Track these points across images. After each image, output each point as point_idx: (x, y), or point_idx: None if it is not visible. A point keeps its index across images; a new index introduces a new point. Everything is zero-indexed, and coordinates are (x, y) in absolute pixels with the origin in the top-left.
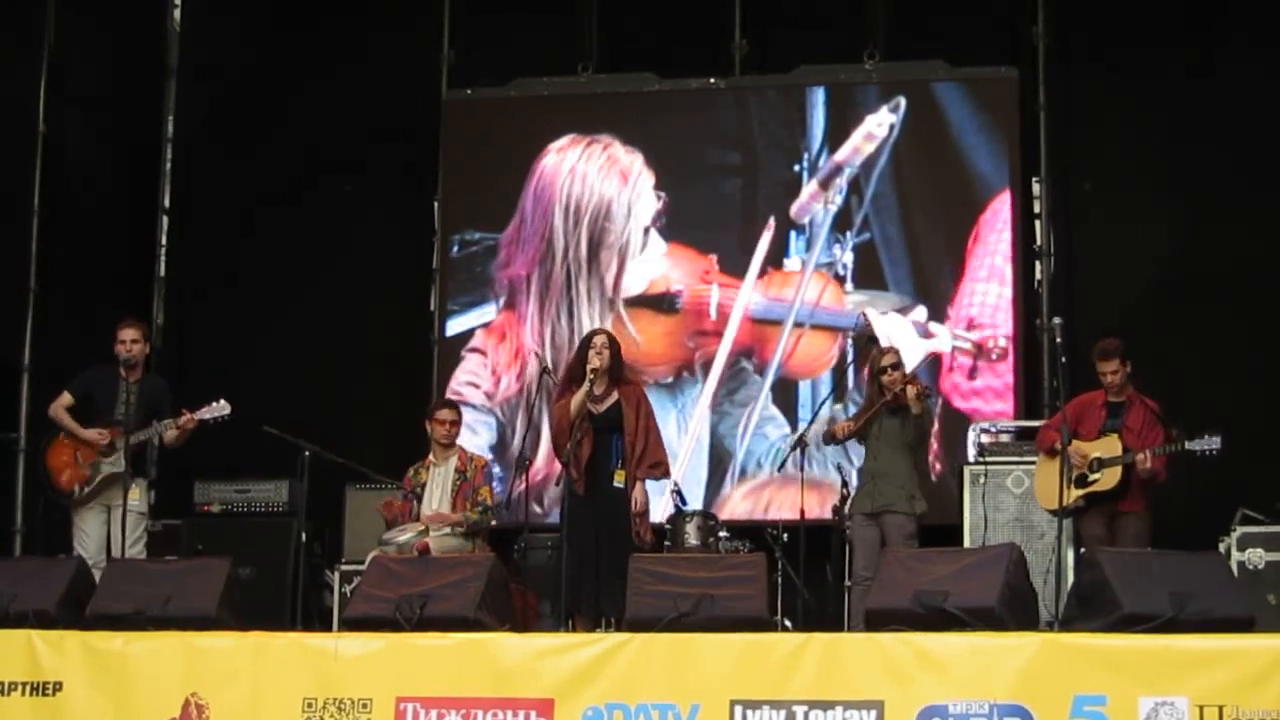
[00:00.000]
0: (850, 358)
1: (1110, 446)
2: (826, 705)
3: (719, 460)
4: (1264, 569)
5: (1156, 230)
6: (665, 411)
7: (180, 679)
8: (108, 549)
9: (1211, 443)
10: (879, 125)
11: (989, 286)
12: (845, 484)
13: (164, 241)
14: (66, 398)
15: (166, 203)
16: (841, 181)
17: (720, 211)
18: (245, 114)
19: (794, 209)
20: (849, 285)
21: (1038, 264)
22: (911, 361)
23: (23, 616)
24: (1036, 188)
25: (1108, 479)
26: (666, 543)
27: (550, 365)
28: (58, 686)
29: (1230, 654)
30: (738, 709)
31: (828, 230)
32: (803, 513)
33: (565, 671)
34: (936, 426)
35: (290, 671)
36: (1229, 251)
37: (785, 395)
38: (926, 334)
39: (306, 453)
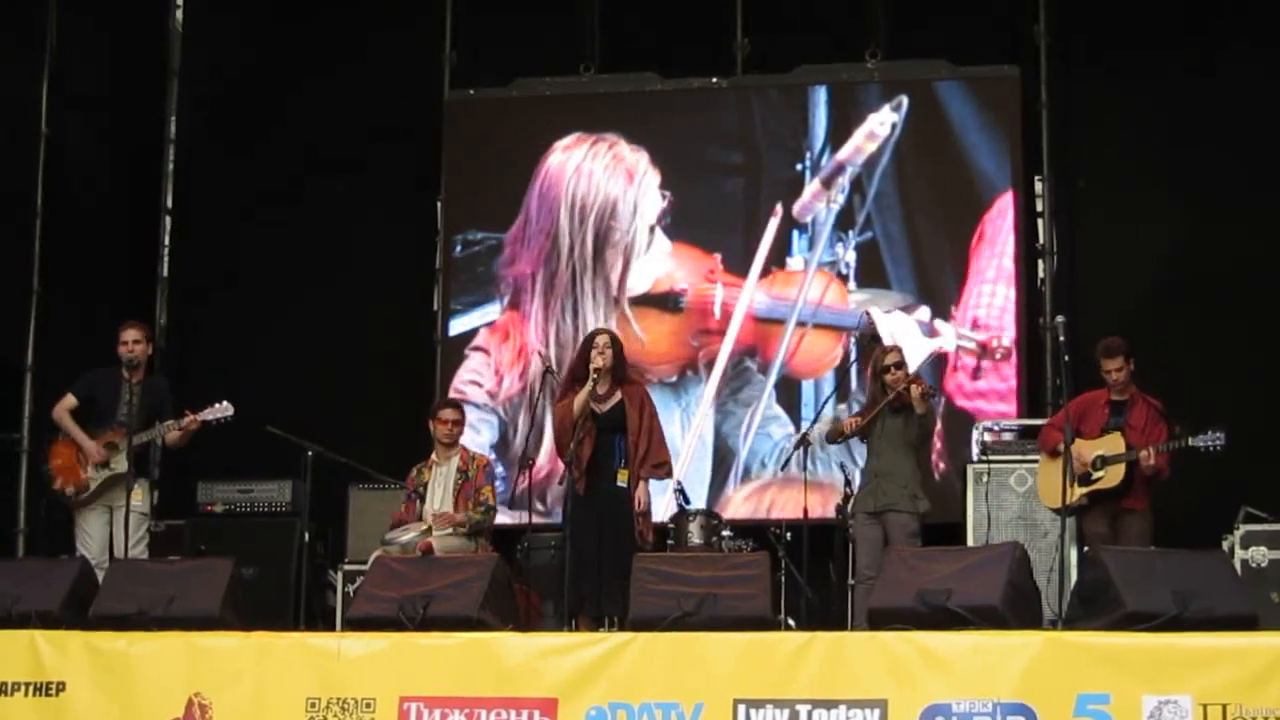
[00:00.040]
0: (853, 356)
1: (1113, 444)
2: (830, 704)
3: (722, 459)
4: (1267, 567)
5: (1158, 230)
6: (669, 410)
7: (183, 679)
8: (110, 549)
9: (1215, 438)
10: (881, 124)
11: (996, 287)
12: (848, 483)
13: (166, 242)
14: (70, 399)
15: (169, 203)
16: (844, 180)
17: (723, 211)
18: (247, 114)
19: (796, 208)
20: (852, 284)
21: (1040, 263)
22: (915, 360)
23: (26, 617)
24: (1039, 186)
25: (1111, 476)
26: (670, 542)
27: (554, 365)
28: (61, 687)
29: (1233, 652)
30: (741, 708)
31: (830, 229)
32: (806, 512)
33: (568, 671)
34: (940, 426)
35: (293, 671)
36: (1230, 251)
37: (788, 394)
38: (931, 332)
39: (309, 453)
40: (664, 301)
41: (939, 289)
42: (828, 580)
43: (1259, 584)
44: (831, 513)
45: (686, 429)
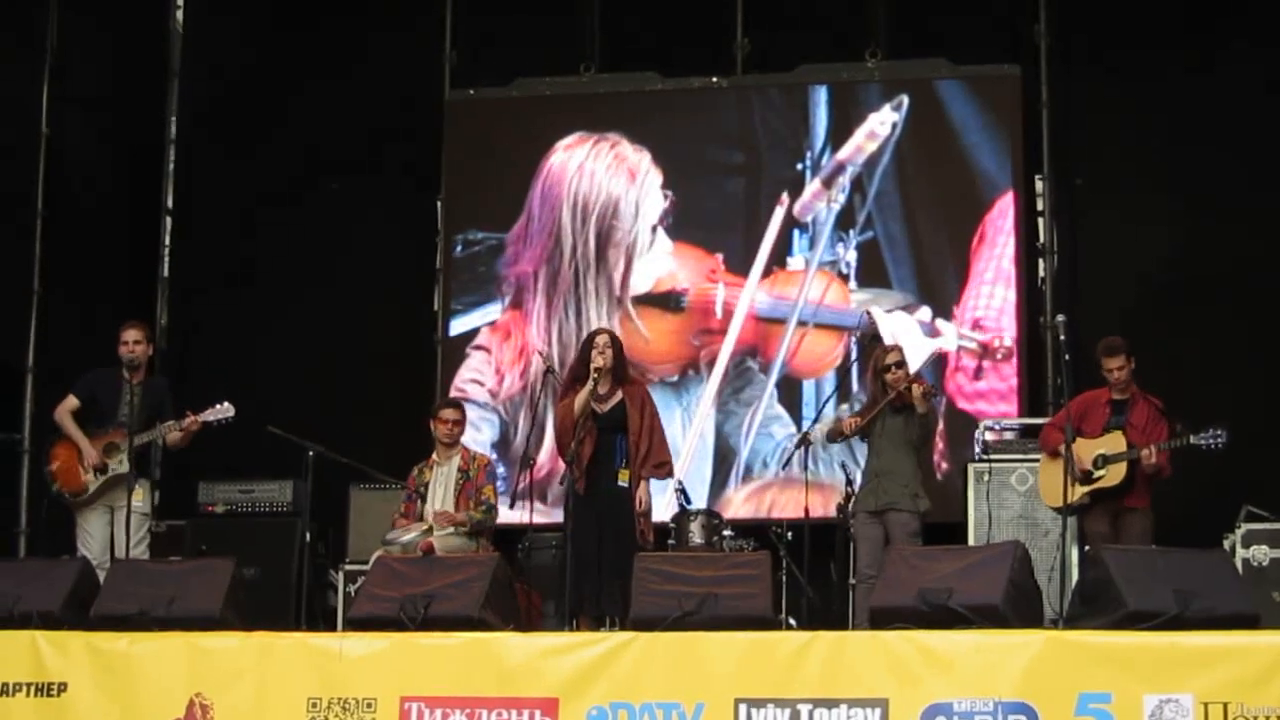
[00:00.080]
0: (854, 356)
1: (1115, 443)
2: (831, 704)
3: (723, 459)
4: (1268, 566)
5: (1159, 229)
6: (670, 410)
7: (185, 679)
8: (112, 550)
9: (1216, 436)
10: (881, 123)
11: (995, 288)
12: (849, 482)
13: (167, 242)
14: (72, 401)
15: (169, 203)
16: (844, 180)
17: (724, 211)
18: (248, 114)
19: (797, 207)
20: (853, 284)
21: (1041, 262)
22: (916, 360)
23: (27, 617)
24: (1039, 186)
25: (1113, 475)
26: (671, 541)
27: (555, 365)
28: (62, 687)
29: (1235, 651)
30: (742, 708)
31: (831, 229)
32: (807, 511)
33: (569, 671)
34: (941, 426)
35: (295, 671)
36: (1230, 250)
37: (789, 394)
38: (933, 332)
39: (310, 453)
40: (665, 301)
41: (940, 289)
42: (829, 580)
43: (1260, 583)
44: (832, 512)
45: (688, 429)
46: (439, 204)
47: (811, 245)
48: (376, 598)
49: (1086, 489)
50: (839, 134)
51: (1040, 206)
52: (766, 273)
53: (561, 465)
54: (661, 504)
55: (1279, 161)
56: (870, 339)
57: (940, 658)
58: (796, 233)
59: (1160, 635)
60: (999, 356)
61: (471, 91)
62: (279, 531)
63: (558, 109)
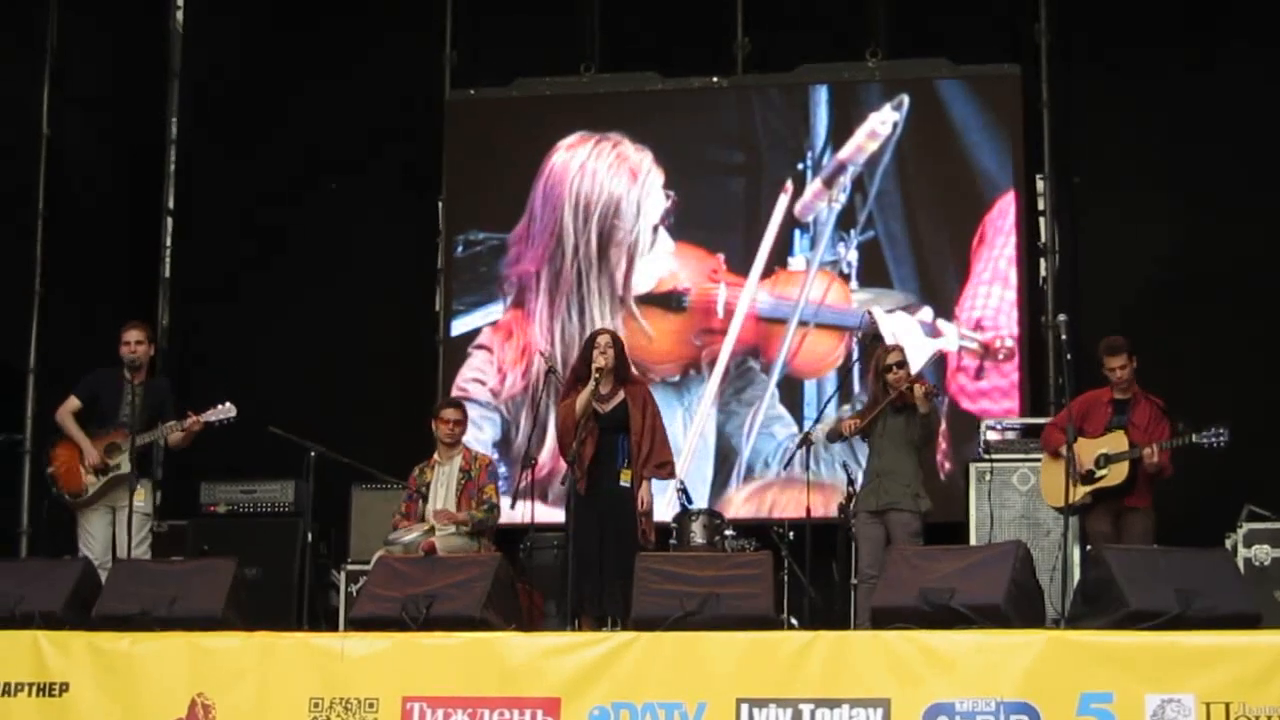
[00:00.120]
0: (855, 356)
1: (1117, 443)
2: (833, 703)
3: (725, 459)
4: (1270, 565)
5: (1160, 228)
6: (672, 410)
7: (186, 679)
8: (113, 550)
9: (1218, 435)
10: (882, 123)
11: (993, 288)
12: (851, 482)
13: (168, 243)
14: (73, 402)
15: (170, 204)
16: (845, 180)
17: (725, 211)
18: (248, 115)
19: (798, 207)
20: (854, 283)
21: (1042, 261)
22: (918, 361)
23: (29, 617)
24: (1040, 185)
25: (1115, 474)
26: (672, 541)
27: (557, 365)
28: (64, 687)
29: (1236, 651)
30: (744, 708)
31: (832, 228)
32: (809, 511)
33: (571, 671)
34: (944, 426)
35: (296, 671)
36: (1231, 249)
37: (791, 394)
38: (934, 332)
39: (312, 453)
40: (667, 301)
41: (941, 288)
42: (830, 579)
43: (1262, 582)
44: (833, 512)
45: (689, 428)
46: (440, 204)
47: (813, 245)
48: (378, 598)
49: (1088, 489)
50: (840, 134)
51: (1041, 206)
52: (768, 269)
53: (563, 465)
54: (663, 504)
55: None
56: (871, 339)
57: (942, 658)
58: (798, 233)
59: (1162, 635)
60: (1000, 357)
61: (472, 92)
62: (281, 532)
63: (558, 109)
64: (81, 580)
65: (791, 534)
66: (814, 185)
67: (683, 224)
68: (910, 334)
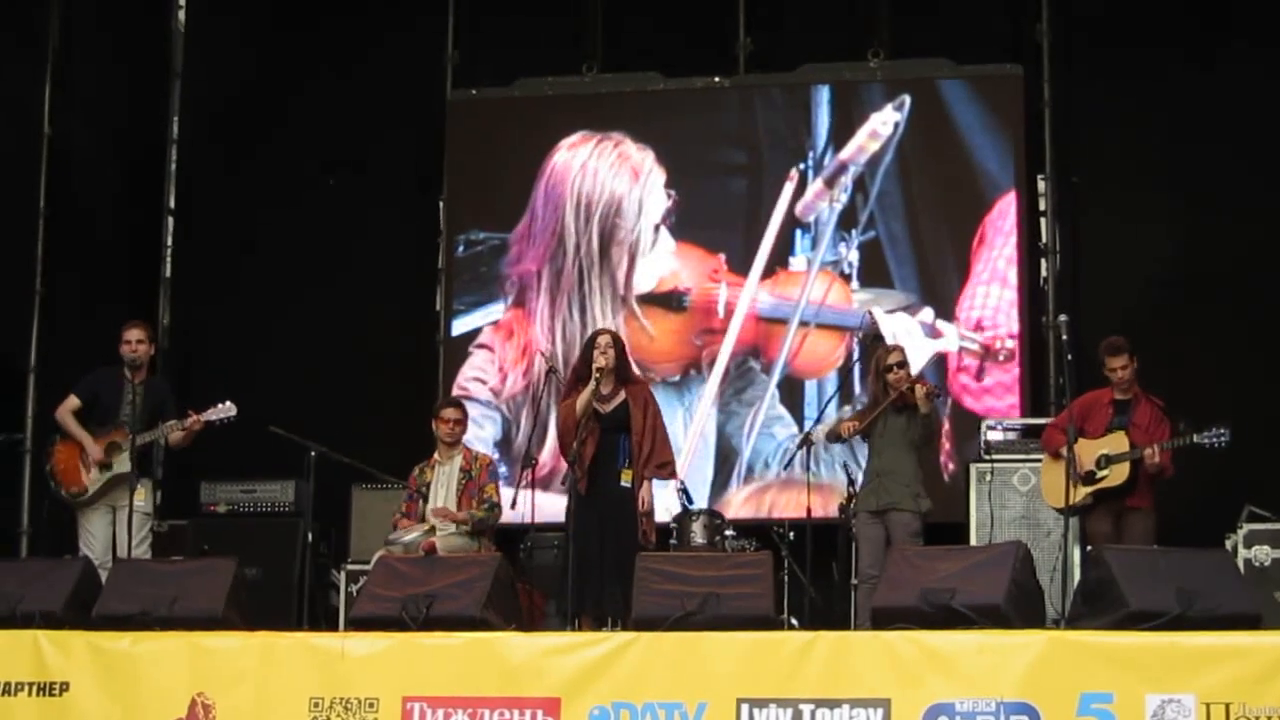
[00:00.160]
0: (856, 356)
1: (1118, 443)
2: (833, 704)
3: (725, 460)
4: (1270, 566)
5: (1161, 228)
6: (672, 409)
7: (186, 679)
8: (114, 550)
9: (1220, 435)
10: (884, 123)
11: (991, 289)
12: (851, 482)
13: (169, 242)
14: (73, 400)
15: (171, 203)
16: (847, 180)
17: (727, 211)
18: (250, 114)
19: (799, 207)
20: (855, 284)
21: (1043, 262)
22: (917, 361)
23: (29, 617)
24: (1041, 185)
25: (1116, 475)
26: (673, 541)
27: (558, 365)
28: (64, 687)
29: (1237, 651)
30: (744, 708)
31: (833, 228)
32: (809, 511)
33: (572, 670)
34: (948, 426)
35: (296, 671)
36: (1232, 250)
37: (791, 395)
38: (934, 333)
39: (312, 453)
40: (668, 301)
41: (942, 288)
42: (831, 580)
43: (1262, 583)
44: (833, 513)
45: (689, 428)
46: (441, 204)
47: (814, 245)
48: (378, 598)
49: (1089, 489)
50: (841, 134)
51: (1042, 206)
52: (769, 269)
53: (564, 464)
54: (663, 504)
55: None
56: (872, 339)
57: (942, 658)
58: (799, 232)
59: (1162, 635)
60: (1000, 358)
61: (474, 91)
62: (281, 531)
63: (560, 109)
64: (82, 580)
65: (792, 534)
66: (815, 185)
67: (684, 224)
68: (910, 335)
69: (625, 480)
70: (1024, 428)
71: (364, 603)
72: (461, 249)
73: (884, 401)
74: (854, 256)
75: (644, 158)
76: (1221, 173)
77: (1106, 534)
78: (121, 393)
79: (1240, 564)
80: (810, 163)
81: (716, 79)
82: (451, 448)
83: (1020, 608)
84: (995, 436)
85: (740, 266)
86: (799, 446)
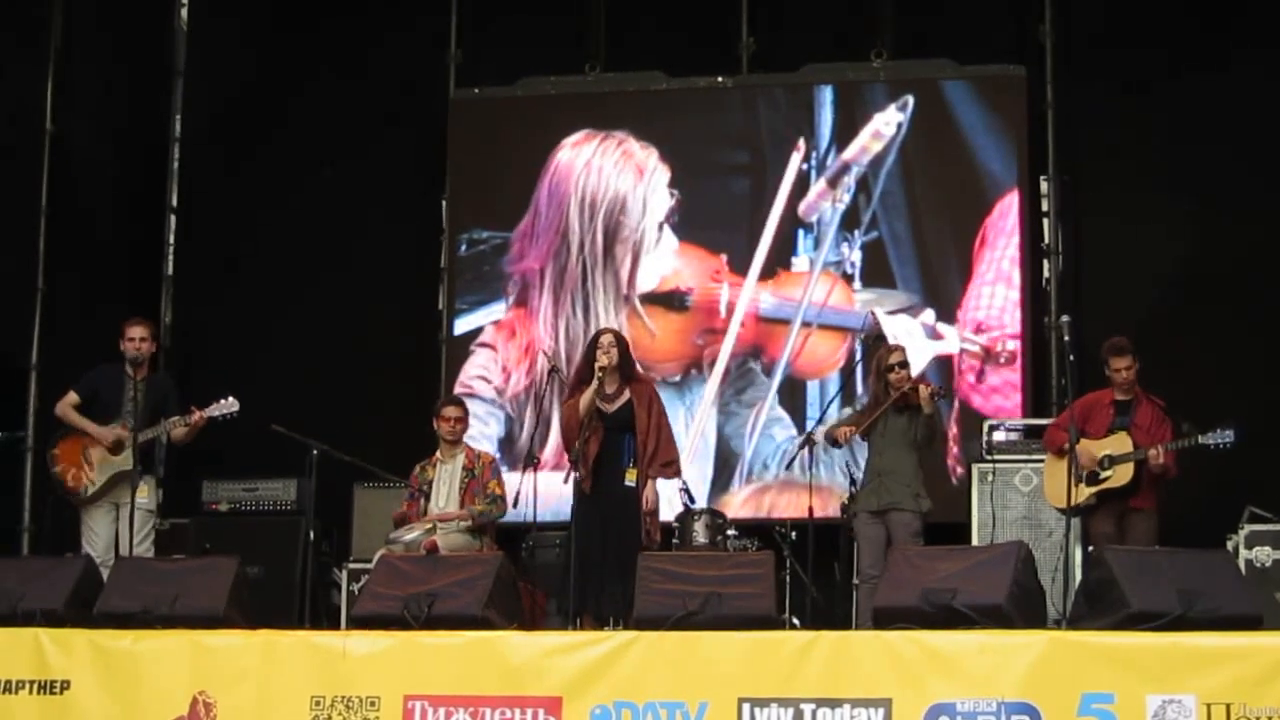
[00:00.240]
0: (858, 356)
1: (1121, 444)
2: (834, 703)
3: (725, 461)
4: (1271, 567)
5: (1163, 229)
6: (673, 409)
7: (188, 677)
8: (116, 546)
9: (1225, 436)
10: (887, 124)
11: (994, 289)
12: (853, 482)
13: (171, 240)
14: (72, 396)
15: (173, 201)
16: (850, 180)
17: (729, 211)
18: (252, 113)
19: (802, 207)
20: (857, 284)
21: (1045, 262)
22: (918, 363)
23: (31, 615)
24: (1044, 186)
25: (1119, 476)
26: (675, 541)
27: (560, 364)
28: (65, 685)
29: (1238, 652)
30: (745, 707)
31: (836, 229)
32: (811, 511)
33: (573, 670)
34: (955, 430)
35: (298, 670)
36: (1235, 250)
37: (793, 396)
38: (934, 335)
39: (314, 451)
40: (670, 300)
41: (944, 288)
42: (832, 579)
43: (1263, 584)
44: (833, 513)
45: (690, 428)
46: (443, 203)
47: (816, 245)
48: (380, 596)
49: (1093, 489)
50: (844, 134)
51: (1045, 207)
52: (771, 262)
53: (568, 462)
54: (664, 503)
55: None
56: (875, 339)
57: (944, 658)
58: (801, 233)
59: (1163, 636)
60: (1001, 360)
61: (476, 90)
62: (283, 530)
63: (563, 108)
64: (83, 578)
65: (794, 534)
66: (818, 185)
67: (686, 224)
68: (911, 336)
69: (630, 479)
70: (1025, 428)
71: (365, 601)
72: (464, 248)
73: (885, 402)
74: (856, 257)
75: (648, 156)
76: (1223, 174)
77: (1109, 535)
78: (123, 389)
79: (1241, 565)
80: (813, 163)
81: (719, 79)
82: (453, 446)
83: (1021, 608)
84: (998, 437)
85: (742, 267)
86: (800, 446)
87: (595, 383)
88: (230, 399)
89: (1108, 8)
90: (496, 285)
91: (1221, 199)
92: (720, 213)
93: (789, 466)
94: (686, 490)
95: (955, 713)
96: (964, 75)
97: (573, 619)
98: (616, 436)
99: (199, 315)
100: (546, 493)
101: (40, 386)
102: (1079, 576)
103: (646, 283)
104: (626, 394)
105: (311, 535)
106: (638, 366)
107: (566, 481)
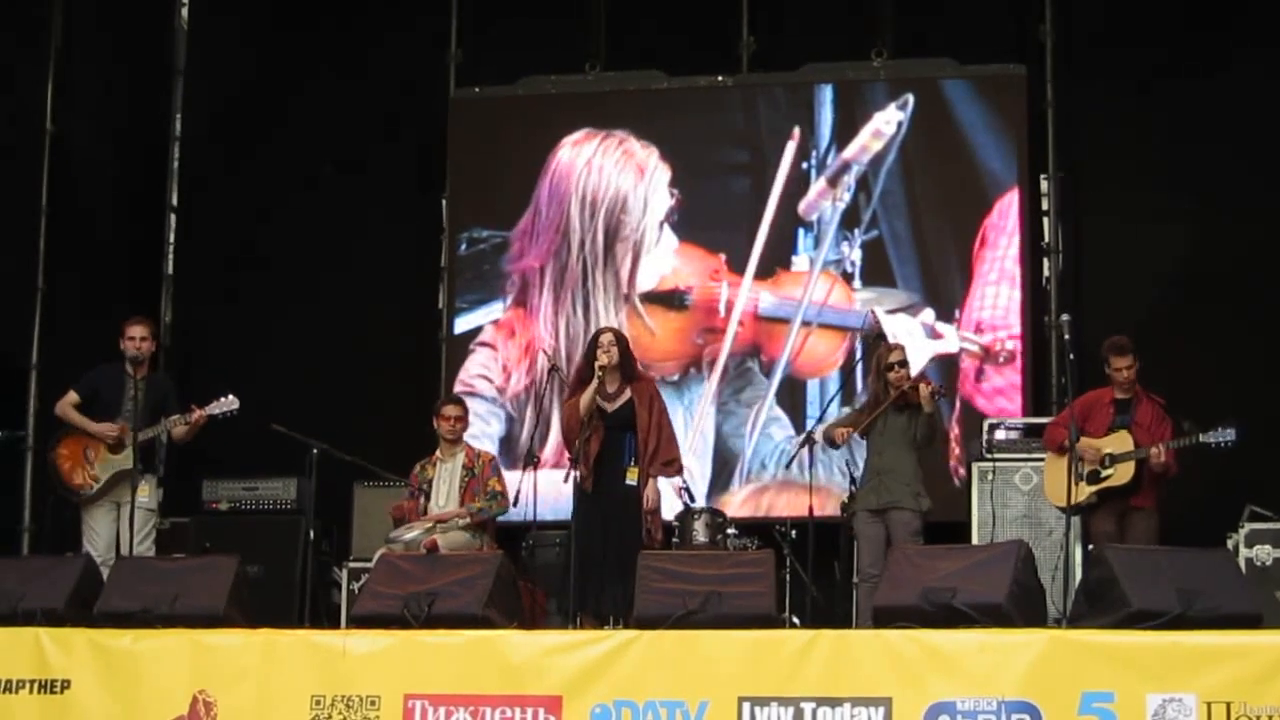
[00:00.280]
0: (858, 355)
1: (1122, 442)
2: (834, 702)
3: (723, 460)
4: (1271, 565)
5: (1163, 228)
6: (672, 408)
7: (188, 677)
8: (117, 545)
9: (1227, 434)
10: (887, 123)
11: (998, 289)
12: (853, 481)
13: (171, 240)
14: (72, 395)
15: (174, 200)
16: (850, 179)
17: (729, 210)
18: (252, 113)
19: (802, 206)
20: (857, 283)
21: (1046, 261)
22: (917, 363)
23: (31, 614)
24: (1045, 185)
25: (1120, 474)
26: (675, 539)
27: (560, 364)
28: (66, 684)
29: (1238, 650)
30: (746, 706)
31: (836, 228)
32: (811, 510)
33: (573, 669)
34: (957, 430)
35: (298, 669)
36: (1235, 250)
37: (793, 395)
38: (934, 334)
39: (314, 450)
40: (669, 299)
41: (945, 287)
42: (832, 578)
43: (1263, 582)
44: (832, 513)
45: (689, 427)
46: (444, 202)
47: (816, 244)
48: (380, 595)
49: (1094, 488)
50: (844, 133)
51: (1045, 206)
52: (770, 270)
53: (568, 461)
54: (664, 502)
55: None
56: (875, 337)
57: (944, 657)
58: (801, 232)
59: (1163, 635)
60: (1001, 360)
61: (477, 90)
62: (283, 529)
63: (563, 108)
64: (83, 577)
65: (794, 533)
66: (818, 184)
67: (686, 223)
68: (911, 336)
69: (631, 478)
70: (1026, 427)
71: (365, 600)
72: (464, 247)
73: (885, 400)
74: (856, 256)
75: (648, 155)
76: (1223, 173)
77: (1110, 533)
78: (123, 388)
79: (1241, 563)
80: (813, 162)
81: (720, 78)
82: (453, 445)
83: (1022, 607)
84: (998, 436)
85: (742, 266)
86: (800, 445)
87: (596, 382)
88: (230, 397)
89: (1108, 7)
90: (496, 284)
91: (1221, 198)
92: (720, 212)
93: (788, 466)
94: (687, 489)
95: (955, 712)
96: (964, 74)
97: (573, 618)
98: (617, 435)
99: (199, 315)
100: (547, 492)
101: (40, 386)
102: (1079, 575)
103: (646, 282)
104: (627, 393)
105: (311, 534)
106: (638, 365)
107: (567, 480)
